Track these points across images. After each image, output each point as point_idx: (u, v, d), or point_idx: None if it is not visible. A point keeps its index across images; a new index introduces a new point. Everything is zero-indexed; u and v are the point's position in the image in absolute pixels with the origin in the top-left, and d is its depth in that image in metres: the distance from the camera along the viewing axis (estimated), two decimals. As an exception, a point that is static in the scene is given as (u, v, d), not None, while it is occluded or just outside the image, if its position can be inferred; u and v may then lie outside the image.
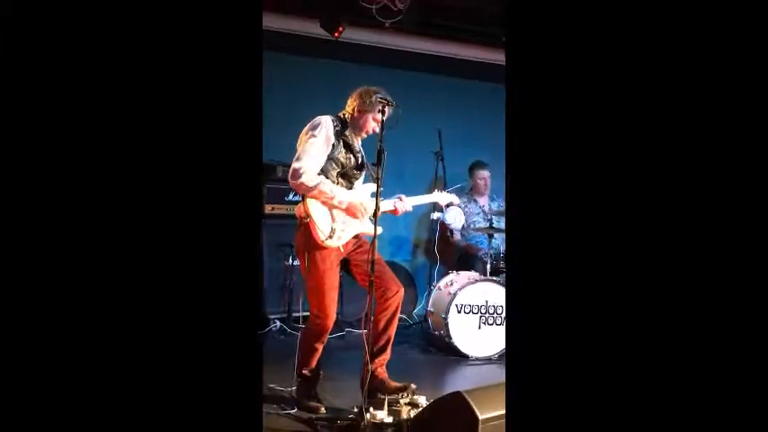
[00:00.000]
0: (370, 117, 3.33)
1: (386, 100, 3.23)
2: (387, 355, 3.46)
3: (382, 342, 3.42)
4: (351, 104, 3.39)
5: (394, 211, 3.58)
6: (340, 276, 3.42)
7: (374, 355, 3.38)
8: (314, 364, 3.40)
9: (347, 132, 3.36)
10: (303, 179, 3.19)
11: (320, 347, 3.39)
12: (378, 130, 3.22)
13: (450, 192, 3.93)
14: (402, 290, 3.43)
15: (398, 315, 3.46)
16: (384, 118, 3.21)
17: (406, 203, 3.60)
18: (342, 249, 3.33)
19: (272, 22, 4.95)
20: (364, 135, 3.42)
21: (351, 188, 3.40)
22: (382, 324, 3.39)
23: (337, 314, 3.50)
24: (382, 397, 3.23)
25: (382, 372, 3.44)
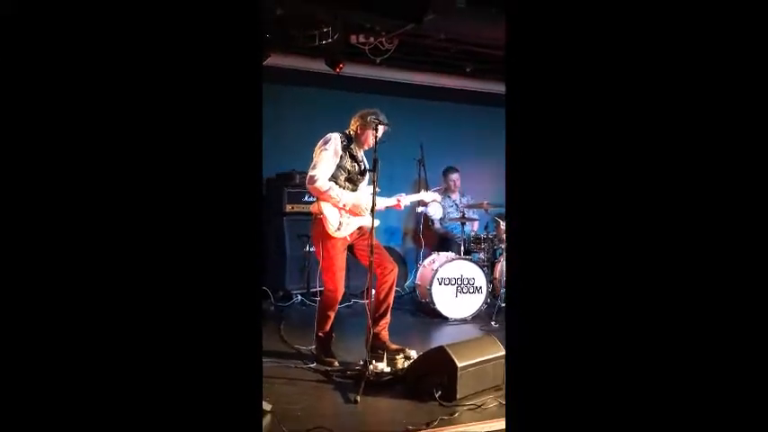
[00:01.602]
0: (370, 133, 3.35)
1: (378, 120, 3.30)
2: (387, 320, 3.47)
3: (383, 309, 3.43)
4: (354, 123, 3.41)
5: (397, 206, 3.62)
6: (347, 259, 3.43)
7: (377, 320, 3.40)
8: (328, 327, 3.41)
9: (352, 146, 3.38)
10: (317, 184, 3.22)
11: (332, 315, 3.40)
12: (368, 140, 3.31)
13: (434, 191, 3.97)
14: (396, 267, 3.44)
15: (395, 287, 3.47)
16: (378, 134, 3.29)
17: (405, 200, 3.64)
18: (348, 238, 3.35)
19: (285, 61, 4.94)
20: (366, 147, 3.43)
21: (356, 190, 3.41)
22: (382, 295, 3.41)
23: (345, 288, 3.51)
24: (382, 352, 3.25)
25: (385, 335, 3.45)
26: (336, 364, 3.29)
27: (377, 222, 3.22)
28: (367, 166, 3.47)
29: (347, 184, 3.37)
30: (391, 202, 3.57)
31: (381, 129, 3.32)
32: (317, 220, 3.30)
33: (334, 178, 3.30)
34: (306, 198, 5.03)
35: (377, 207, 3.19)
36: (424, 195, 3.89)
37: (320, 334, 3.40)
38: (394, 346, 3.40)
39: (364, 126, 3.36)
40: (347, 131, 3.41)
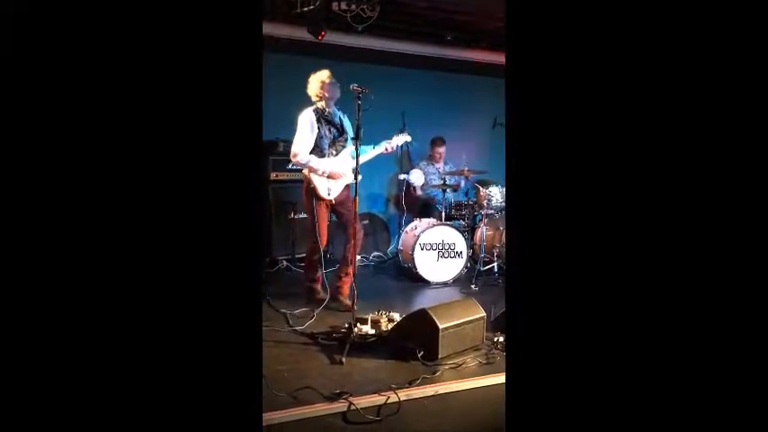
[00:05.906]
0: (326, 87, 3.69)
1: (338, 84, 3.69)
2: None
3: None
4: (312, 91, 3.72)
5: (387, 151, 3.94)
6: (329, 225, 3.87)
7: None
8: (316, 270, 3.85)
9: (326, 113, 3.74)
10: (298, 158, 3.72)
11: (318, 260, 3.79)
12: (334, 96, 3.71)
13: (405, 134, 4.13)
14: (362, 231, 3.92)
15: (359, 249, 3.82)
16: (336, 95, 3.69)
17: (392, 144, 3.97)
18: (334, 201, 3.78)
19: (267, 29, 4.81)
20: (331, 101, 3.75)
21: (338, 153, 3.78)
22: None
23: (330, 255, 3.63)
24: (366, 316, 3.27)
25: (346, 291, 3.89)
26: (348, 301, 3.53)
27: (359, 177, 3.34)
28: (345, 127, 3.80)
29: (330, 149, 3.75)
30: (380, 149, 3.90)
31: (336, 91, 3.67)
32: (306, 185, 3.75)
33: (319, 149, 3.70)
34: (290, 166, 4.99)
35: (367, 158, 3.70)
36: (396, 140, 4.09)
37: (309, 280, 3.82)
38: (347, 303, 3.66)
39: (323, 87, 3.68)
40: (315, 103, 3.72)
